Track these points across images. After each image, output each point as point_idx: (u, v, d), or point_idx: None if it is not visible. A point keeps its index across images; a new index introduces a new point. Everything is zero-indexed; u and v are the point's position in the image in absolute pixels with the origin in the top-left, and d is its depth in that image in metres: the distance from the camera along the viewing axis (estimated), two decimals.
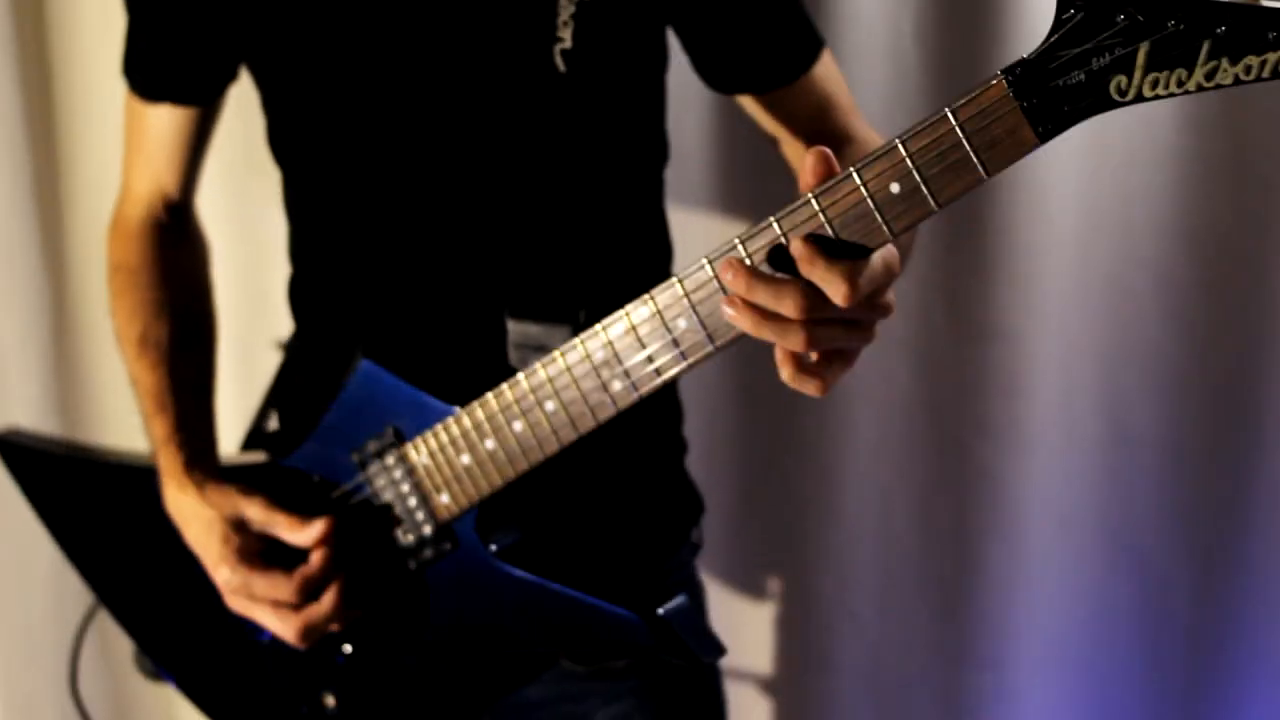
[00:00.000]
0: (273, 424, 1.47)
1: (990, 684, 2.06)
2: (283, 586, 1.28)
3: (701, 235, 1.92)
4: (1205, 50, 0.81)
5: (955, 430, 1.97)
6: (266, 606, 1.29)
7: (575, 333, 1.19)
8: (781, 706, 2.13)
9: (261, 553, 1.31)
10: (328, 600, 1.29)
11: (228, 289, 1.94)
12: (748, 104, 1.37)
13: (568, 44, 1.24)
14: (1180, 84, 0.82)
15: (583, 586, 1.25)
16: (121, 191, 1.46)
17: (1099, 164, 1.83)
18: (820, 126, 1.34)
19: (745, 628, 2.10)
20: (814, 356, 0.97)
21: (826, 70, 1.34)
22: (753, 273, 0.95)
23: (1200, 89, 0.82)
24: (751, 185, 1.90)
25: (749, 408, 1.98)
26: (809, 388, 0.98)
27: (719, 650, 1.26)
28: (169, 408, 1.36)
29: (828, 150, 0.95)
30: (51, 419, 2.05)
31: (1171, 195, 1.84)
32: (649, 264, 1.43)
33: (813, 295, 0.94)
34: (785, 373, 0.97)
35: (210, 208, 1.89)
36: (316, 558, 1.29)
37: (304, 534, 1.29)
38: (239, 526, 1.31)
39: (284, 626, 1.29)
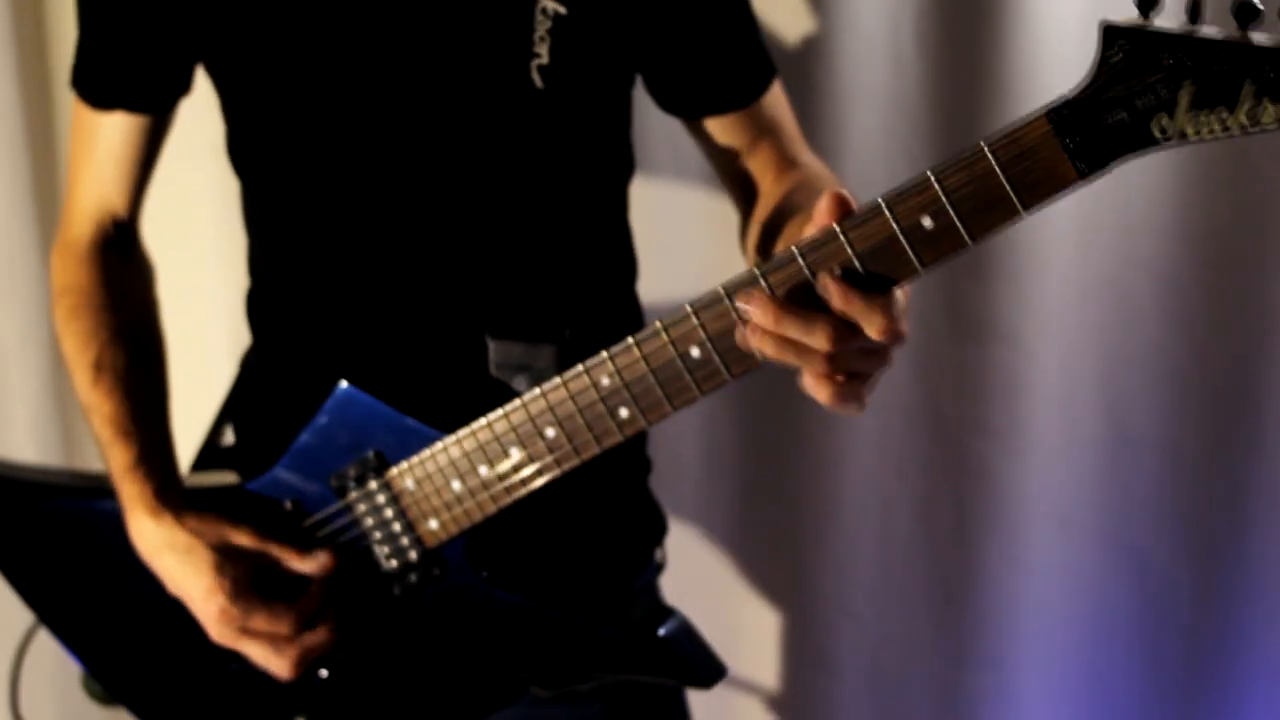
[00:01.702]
0: (227, 439, 1.44)
1: (990, 684, 2.06)
2: (283, 619, 1.26)
3: (701, 236, 1.92)
4: (1247, 90, 0.82)
5: (955, 430, 1.97)
6: (261, 640, 1.27)
7: (560, 351, 1.18)
8: (781, 706, 2.13)
9: (252, 584, 1.28)
10: (323, 631, 1.27)
11: (225, 291, 1.94)
12: (694, 131, 1.35)
13: (545, 60, 1.22)
14: (1223, 124, 0.84)
15: (563, 588, 1.24)
16: (66, 211, 1.40)
17: None
18: (773, 149, 1.33)
19: (745, 628, 2.10)
20: (841, 378, 0.97)
21: (776, 98, 1.34)
22: (781, 306, 0.95)
23: (1244, 131, 0.83)
24: None
25: (749, 408, 1.98)
26: (850, 409, 0.98)
27: (720, 670, 1.25)
28: (132, 435, 1.31)
29: (845, 193, 0.94)
30: (51, 418, 2.04)
31: (1171, 195, 1.84)
32: (622, 280, 1.42)
33: (842, 327, 0.94)
34: (824, 396, 0.97)
35: (208, 211, 1.89)
36: (318, 588, 1.27)
37: (308, 563, 1.27)
38: (229, 555, 1.27)
39: (278, 659, 1.27)
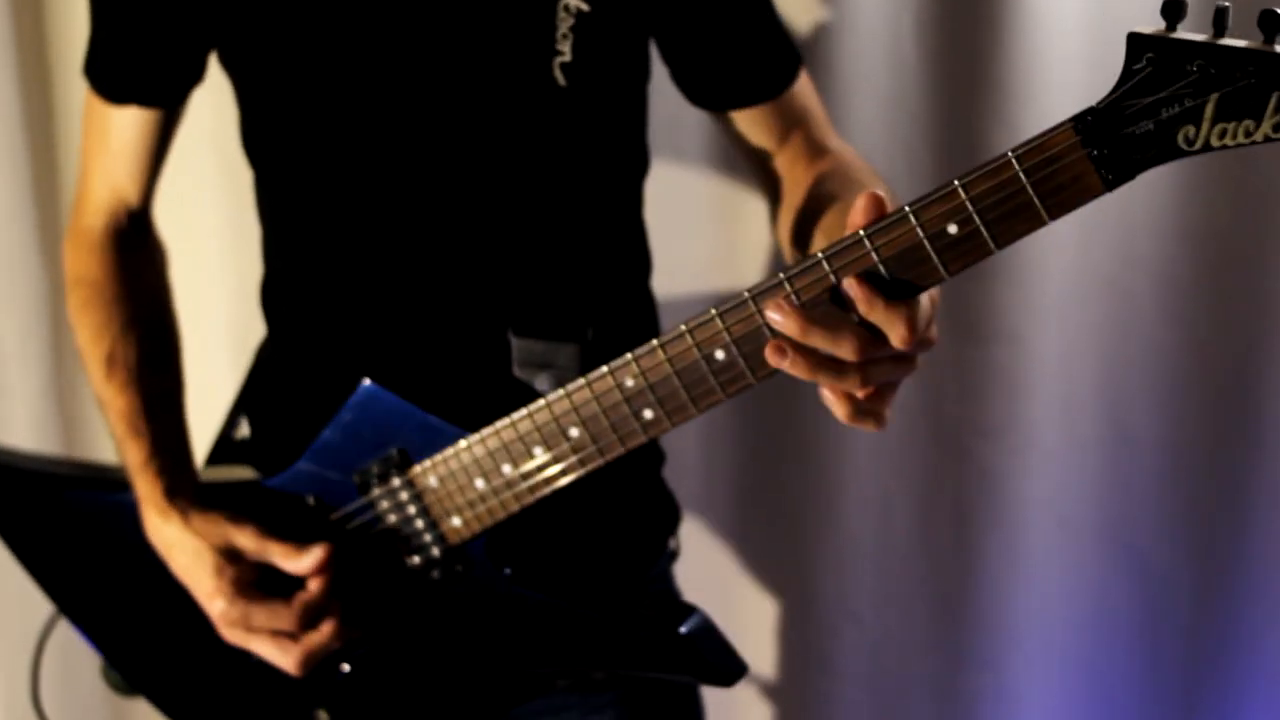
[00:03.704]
0: (242, 431, 1.44)
1: (990, 684, 2.06)
2: (283, 616, 1.26)
3: (700, 237, 1.92)
4: (1275, 102, 0.82)
5: (955, 431, 1.97)
6: (265, 637, 1.27)
7: (584, 350, 1.18)
8: (781, 706, 2.13)
9: (255, 581, 1.28)
10: (327, 628, 1.27)
11: (225, 288, 1.94)
12: (725, 124, 1.36)
13: (567, 57, 1.22)
14: (1248, 134, 0.84)
15: (582, 586, 1.24)
16: (78, 200, 1.40)
17: None
18: (805, 136, 1.33)
19: (746, 628, 2.10)
20: (862, 394, 0.96)
21: (804, 87, 1.34)
22: (806, 316, 0.94)
23: (1268, 139, 0.83)
24: (750, 186, 1.90)
25: (749, 408, 1.98)
26: (868, 426, 0.98)
27: (741, 668, 1.25)
28: (144, 431, 1.31)
29: (881, 194, 0.94)
30: (51, 419, 2.04)
31: (1171, 195, 1.84)
32: (638, 276, 1.42)
33: (868, 336, 0.93)
34: (841, 413, 0.97)
35: (209, 207, 1.89)
36: (315, 585, 1.27)
37: (301, 562, 1.27)
38: (231, 556, 1.28)
39: (284, 656, 1.27)
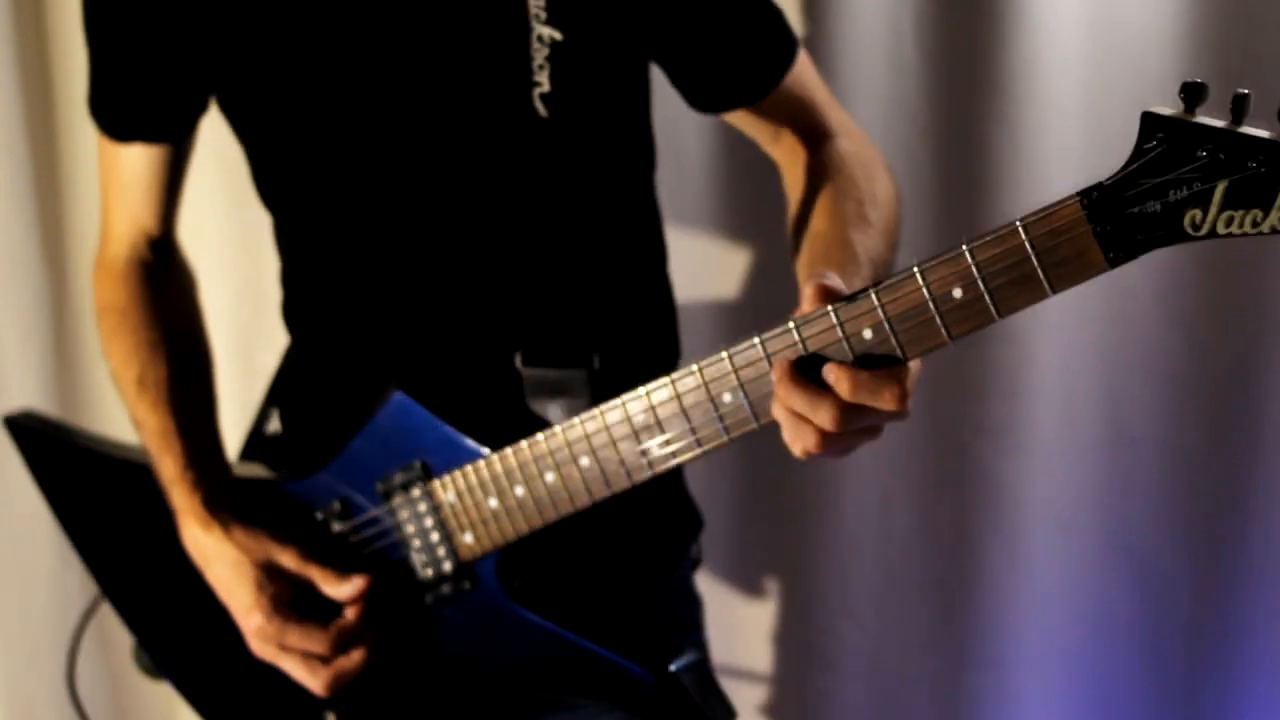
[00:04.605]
0: (273, 426, 1.46)
1: (990, 684, 2.06)
2: (316, 639, 1.28)
3: (701, 239, 1.92)
4: None
5: (955, 431, 1.97)
6: (296, 657, 1.29)
7: (590, 377, 1.19)
8: (781, 706, 2.13)
9: (291, 601, 1.30)
10: (358, 655, 1.29)
11: (227, 290, 1.95)
12: (733, 116, 1.36)
13: (546, 88, 1.23)
14: (1255, 224, 0.82)
15: (588, 611, 1.25)
16: (103, 230, 1.43)
17: (1099, 162, 1.82)
18: (802, 122, 1.33)
19: (745, 627, 2.10)
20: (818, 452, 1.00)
21: (803, 68, 1.33)
22: (794, 381, 0.96)
23: (1275, 231, 0.81)
24: (751, 187, 1.90)
25: None
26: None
27: (729, 712, 1.26)
28: (176, 446, 1.34)
29: (827, 284, 0.96)
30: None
31: None
32: (654, 267, 1.42)
33: (849, 411, 0.95)
34: (796, 451, 1.00)
35: (209, 208, 1.89)
36: (352, 613, 1.29)
37: (343, 589, 1.29)
38: (272, 573, 1.30)
39: (312, 678, 1.29)
